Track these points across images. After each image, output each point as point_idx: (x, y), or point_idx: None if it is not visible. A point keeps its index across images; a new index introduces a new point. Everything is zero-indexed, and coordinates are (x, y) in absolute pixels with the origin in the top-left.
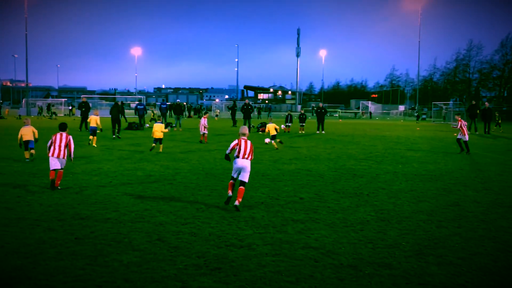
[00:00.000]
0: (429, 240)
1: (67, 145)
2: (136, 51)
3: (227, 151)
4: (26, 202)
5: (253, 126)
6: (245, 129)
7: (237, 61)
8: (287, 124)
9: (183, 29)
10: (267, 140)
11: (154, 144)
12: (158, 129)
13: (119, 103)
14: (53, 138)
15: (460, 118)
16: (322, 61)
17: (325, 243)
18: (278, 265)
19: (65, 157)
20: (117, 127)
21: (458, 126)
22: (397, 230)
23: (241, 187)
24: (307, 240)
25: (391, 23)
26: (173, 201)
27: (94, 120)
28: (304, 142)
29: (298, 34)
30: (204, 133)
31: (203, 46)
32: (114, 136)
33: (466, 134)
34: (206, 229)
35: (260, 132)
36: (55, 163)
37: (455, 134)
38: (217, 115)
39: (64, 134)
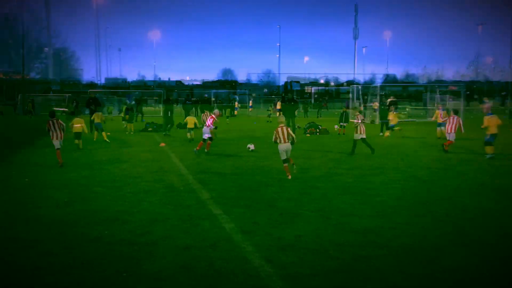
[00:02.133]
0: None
1: (63, 129)
2: (155, 34)
3: (274, 141)
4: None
5: (299, 127)
6: (281, 118)
7: (279, 45)
8: (341, 124)
9: (212, 9)
10: (189, 135)
11: (77, 141)
12: (77, 122)
13: (174, 98)
14: (49, 125)
15: (359, 114)
16: (387, 45)
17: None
18: None
19: (62, 138)
20: (169, 126)
21: (356, 123)
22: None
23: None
24: (367, 270)
25: None
26: (200, 219)
27: (98, 116)
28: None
29: (356, 11)
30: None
31: (236, 29)
32: (164, 133)
33: (362, 131)
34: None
35: (308, 135)
36: (57, 144)
37: None
38: (270, 115)
39: (54, 121)
